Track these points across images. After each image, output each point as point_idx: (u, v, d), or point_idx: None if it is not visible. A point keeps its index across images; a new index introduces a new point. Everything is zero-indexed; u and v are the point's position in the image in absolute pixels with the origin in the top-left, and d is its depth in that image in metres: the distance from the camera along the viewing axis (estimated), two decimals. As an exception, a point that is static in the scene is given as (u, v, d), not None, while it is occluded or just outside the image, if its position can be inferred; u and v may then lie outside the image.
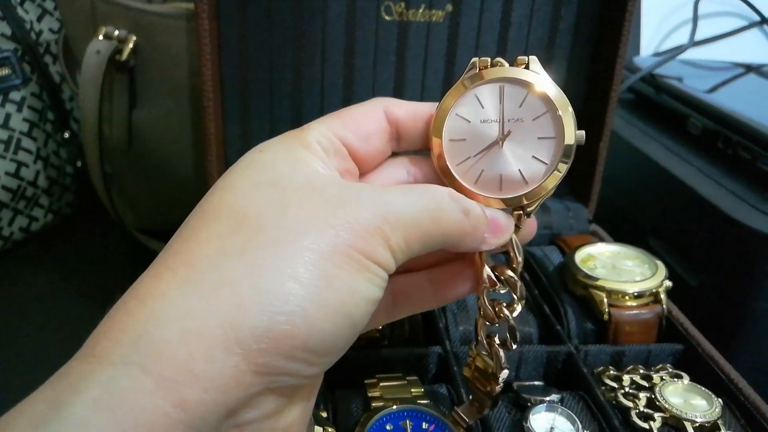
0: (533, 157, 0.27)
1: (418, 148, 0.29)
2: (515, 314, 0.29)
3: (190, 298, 0.20)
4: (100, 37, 0.54)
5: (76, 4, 0.56)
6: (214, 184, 0.24)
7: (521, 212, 0.28)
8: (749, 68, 0.74)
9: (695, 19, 0.76)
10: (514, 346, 0.29)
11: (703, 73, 0.73)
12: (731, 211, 0.48)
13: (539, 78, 0.27)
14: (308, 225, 0.22)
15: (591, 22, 0.51)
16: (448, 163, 0.27)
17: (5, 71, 0.62)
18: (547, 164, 0.27)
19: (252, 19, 0.49)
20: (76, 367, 0.19)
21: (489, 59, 0.28)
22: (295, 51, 0.50)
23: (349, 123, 0.27)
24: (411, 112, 0.28)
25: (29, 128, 0.63)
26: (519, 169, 0.27)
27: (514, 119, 0.27)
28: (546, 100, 0.27)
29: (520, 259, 0.28)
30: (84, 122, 0.56)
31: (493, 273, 0.29)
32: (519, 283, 0.29)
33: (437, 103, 0.28)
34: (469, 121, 0.27)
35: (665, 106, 0.65)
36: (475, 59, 0.28)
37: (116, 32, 0.54)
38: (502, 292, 0.29)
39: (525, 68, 0.28)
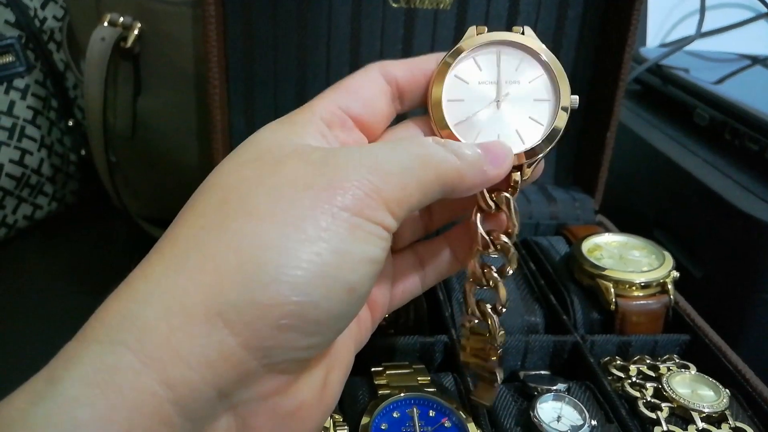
0: (530, 118, 0.28)
1: (421, 106, 0.29)
2: (505, 277, 0.29)
3: (173, 276, 0.20)
4: (105, 24, 0.54)
5: (80, -10, 0.56)
6: None
7: (518, 173, 0.28)
8: (756, 60, 0.73)
9: (702, 10, 0.75)
10: (504, 310, 0.30)
11: (709, 64, 0.72)
12: (738, 202, 0.48)
13: (534, 43, 0.28)
14: (287, 190, 0.21)
15: (599, 10, 0.51)
16: (447, 122, 0.28)
17: (9, 58, 0.62)
18: (543, 125, 0.28)
19: (256, 6, 0.48)
20: (70, 346, 0.20)
21: (485, 27, 0.29)
22: (299, 39, 0.50)
23: (349, 92, 0.27)
24: (408, 69, 0.28)
25: (33, 116, 0.63)
26: (516, 130, 0.28)
27: (511, 81, 0.28)
28: (542, 63, 0.28)
29: (515, 222, 0.28)
30: (88, 110, 0.56)
31: (488, 236, 0.29)
32: (512, 250, 0.29)
33: (433, 56, 0.29)
34: (467, 83, 0.28)
35: (672, 97, 0.65)
36: (473, 27, 0.29)
37: (121, 19, 0.54)
38: (494, 256, 0.29)
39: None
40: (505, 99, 0.28)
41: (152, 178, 0.63)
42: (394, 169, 0.23)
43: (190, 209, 0.22)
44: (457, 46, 0.29)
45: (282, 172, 0.22)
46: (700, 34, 0.75)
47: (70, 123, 0.68)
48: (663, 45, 0.78)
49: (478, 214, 0.29)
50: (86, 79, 0.54)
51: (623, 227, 0.52)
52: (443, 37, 0.50)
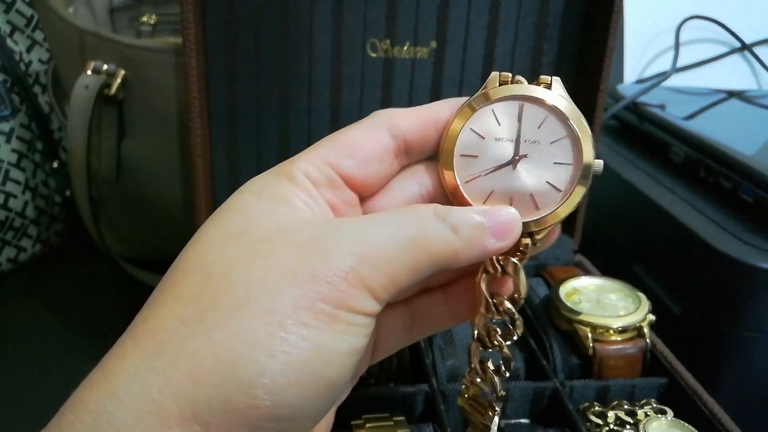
0: (547, 182, 0.26)
1: (431, 155, 0.27)
2: (508, 342, 0.28)
3: (148, 374, 0.19)
4: (89, 72, 0.54)
5: (65, 38, 0.56)
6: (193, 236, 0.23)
7: (528, 239, 0.26)
8: (731, 94, 0.75)
9: (677, 45, 0.77)
10: (508, 374, 0.28)
11: (685, 99, 0.74)
12: (713, 240, 0.49)
13: (561, 100, 0.26)
14: (272, 280, 0.20)
15: (572, 56, 0.52)
16: (456, 178, 0.26)
17: (-6, 103, 0.62)
18: (561, 191, 0.26)
19: (239, 54, 0.49)
20: None
21: (510, 74, 0.26)
22: (281, 85, 0.50)
23: (344, 148, 0.25)
24: (418, 120, 0.26)
25: (18, 159, 0.64)
26: (531, 194, 0.26)
27: (530, 141, 0.26)
28: (566, 124, 0.26)
29: (522, 289, 0.27)
30: (72, 155, 0.56)
31: (492, 299, 0.27)
32: (518, 318, 0.27)
33: (446, 103, 0.27)
34: (483, 138, 0.26)
35: (648, 134, 0.66)
36: (495, 73, 0.27)
37: (105, 66, 0.54)
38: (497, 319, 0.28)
39: (547, 88, 0.26)
40: (523, 159, 0.26)
41: (136, 220, 0.64)
42: (389, 256, 0.22)
43: (171, 291, 0.21)
44: (478, 94, 0.26)
45: (268, 257, 0.21)
46: (676, 70, 0.77)
47: (55, 164, 0.68)
48: (640, 80, 0.80)
49: (484, 275, 0.27)
50: (70, 125, 0.55)
51: (603, 262, 0.53)
52: (421, 84, 0.51)
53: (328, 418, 0.27)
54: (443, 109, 0.27)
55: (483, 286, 0.27)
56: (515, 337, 0.28)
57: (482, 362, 0.29)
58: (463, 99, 0.27)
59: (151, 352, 0.20)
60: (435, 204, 0.24)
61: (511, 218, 0.25)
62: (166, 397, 0.19)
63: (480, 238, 0.24)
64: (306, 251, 0.21)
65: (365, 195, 0.26)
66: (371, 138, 0.25)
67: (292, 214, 0.23)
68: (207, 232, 0.23)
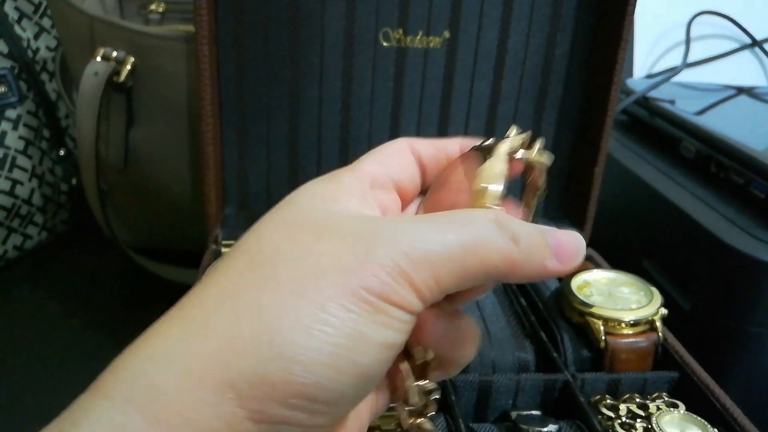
0: None
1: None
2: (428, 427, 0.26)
3: (191, 339, 0.20)
4: (98, 59, 0.54)
5: (74, 25, 0.56)
6: None
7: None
8: (741, 90, 0.75)
9: (688, 41, 0.77)
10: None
11: (695, 95, 0.73)
12: (723, 235, 0.49)
13: None
14: (318, 264, 0.21)
15: (585, 48, 0.52)
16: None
17: (1, 89, 0.62)
18: None
19: (249, 44, 0.49)
20: (82, 399, 0.20)
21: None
22: (292, 76, 0.50)
23: (387, 157, 0.27)
24: (432, 146, 0.28)
25: (25, 146, 0.63)
26: None
27: None
28: None
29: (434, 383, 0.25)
30: (80, 142, 0.56)
31: (415, 383, 0.25)
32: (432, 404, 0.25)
33: (453, 140, 0.28)
34: None
35: (658, 129, 0.66)
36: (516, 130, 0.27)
37: (114, 53, 0.54)
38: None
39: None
40: None
41: (143, 208, 0.63)
42: (433, 256, 0.21)
43: (221, 270, 0.22)
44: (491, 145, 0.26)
45: (315, 243, 0.22)
46: (686, 65, 0.77)
47: (62, 152, 0.68)
48: (649, 76, 0.80)
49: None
50: (79, 112, 0.55)
51: (612, 258, 0.53)
52: (433, 74, 0.50)
53: (361, 422, 0.26)
54: (454, 143, 0.28)
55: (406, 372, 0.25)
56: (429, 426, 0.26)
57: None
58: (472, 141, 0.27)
59: (196, 320, 0.20)
60: (497, 210, 0.24)
61: (576, 243, 0.24)
62: (205, 363, 0.19)
63: (541, 254, 0.23)
64: (352, 242, 0.21)
65: (403, 203, 0.28)
66: (401, 151, 0.27)
67: (341, 209, 0.24)
68: (260, 224, 0.24)
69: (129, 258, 0.62)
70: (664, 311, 0.43)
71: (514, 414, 0.38)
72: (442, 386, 0.39)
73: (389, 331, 0.21)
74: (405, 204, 0.28)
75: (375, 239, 0.22)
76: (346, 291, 0.20)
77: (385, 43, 0.49)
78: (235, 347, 0.19)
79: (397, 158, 0.27)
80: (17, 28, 0.64)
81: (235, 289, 0.21)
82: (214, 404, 0.19)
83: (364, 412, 0.26)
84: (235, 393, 0.19)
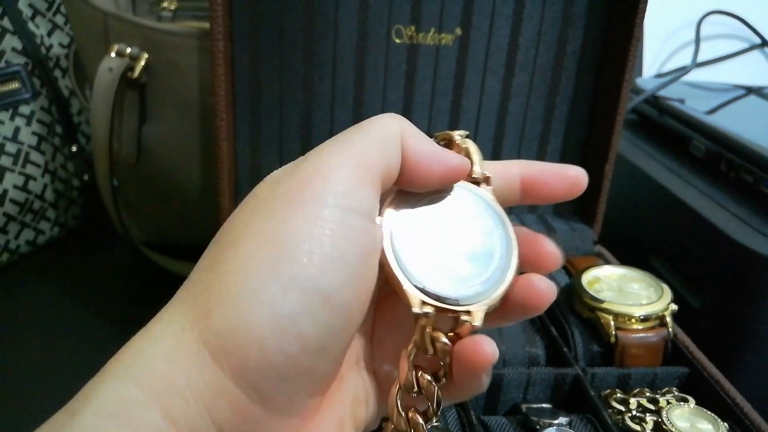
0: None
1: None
2: (429, 425, 0.24)
3: (178, 316, 0.21)
4: (113, 55, 0.54)
5: (88, 21, 0.57)
6: None
7: (468, 317, 0.23)
8: (750, 90, 0.75)
9: (697, 40, 0.77)
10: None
11: (705, 94, 0.74)
12: (733, 233, 0.49)
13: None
14: (265, 210, 0.22)
15: (597, 45, 0.52)
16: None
17: (15, 85, 0.62)
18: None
19: (264, 39, 0.49)
20: (92, 380, 0.21)
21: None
22: (305, 71, 0.51)
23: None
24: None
25: (38, 142, 0.64)
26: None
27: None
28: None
29: (436, 410, 0.24)
30: (94, 138, 0.56)
31: (415, 374, 0.24)
32: (436, 397, 0.23)
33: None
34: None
35: (668, 127, 0.66)
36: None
37: (128, 50, 0.55)
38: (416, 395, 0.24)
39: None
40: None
41: (155, 204, 0.64)
42: (352, 142, 0.23)
43: (207, 249, 0.23)
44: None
45: (261, 197, 0.22)
46: (696, 65, 0.77)
47: (74, 148, 0.69)
48: (659, 75, 0.80)
49: (413, 349, 0.24)
50: (93, 108, 0.55)
51: (621, 256, 0.53)
52: (445, 71, 0.51)
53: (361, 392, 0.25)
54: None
55: (408, 359, 0.24)
56: (433, 421, 0.24)
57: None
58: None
59: (180, 300, 0.22)
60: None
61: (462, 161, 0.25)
62: (187, 332, 0.20)
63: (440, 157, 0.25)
64: (283, 177, 0.23)
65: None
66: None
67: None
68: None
69: (141, 253, 0.63)
70: (674, 307, 0.43)
71: (524, 407, 0.38)
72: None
73: (344, 243, 0.21)
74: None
75: (302, 163, 0.22)
76: (289, 208, 0.21)
77: (397, 40, 0.49)
78: (207, 312, 0.21)
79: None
80: (31, 25, 0.64)
81: (206, 264, 0.22)
82: (197, 368, 0.20)
83: (368, 397, 0.25)
84: (209, 352, 0.20)
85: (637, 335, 0.41)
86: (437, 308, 0.23)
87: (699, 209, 0.53)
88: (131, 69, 0.55)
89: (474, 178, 0.26)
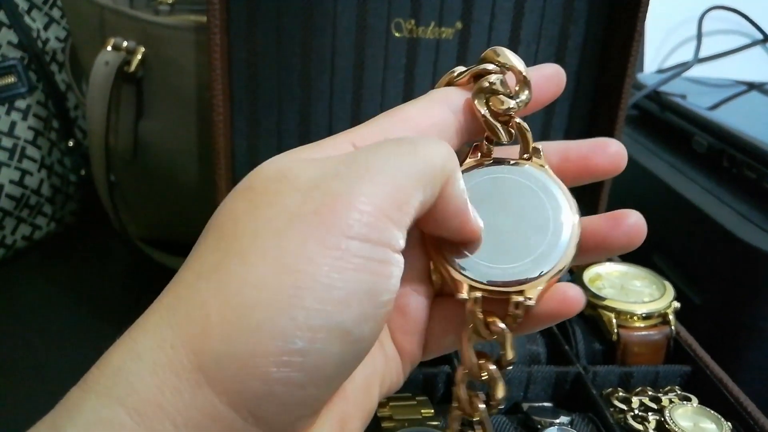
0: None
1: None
2: (493, 412, 0.24)
3: (165, 328, 0.19)
4: (109, 49, 0.54)
5: (84, 15, 0.56)
6: None
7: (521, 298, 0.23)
8: (752, 86, 0.74)
9: (699, 36, 0.76)
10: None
11: (706, 90, 0.73)
12: (736, 230, 0.49)
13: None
14: (277, 222, 0.19)
15: (598, 41, 0.51)
16: None
17: (11, 79, 0.62)
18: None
19: (261, 33, 0.49)
20: (73, 394, 0.19)
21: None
22: (303, 66, 0.50)
23: (403, 121, 0.23)
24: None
25: (34, 136, 0.63)
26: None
27: None
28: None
29: (510, 356, 0.23)
30: (90, 132, 0.56)
31: (477, 362, 0.24)
32: (501, 383, 0.23)
33: None
34: None
35: (670, 123, 0.66)
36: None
37: (125, 44, 0.54)
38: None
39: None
40: None
41: (152, 199, 0.63)
42: (389, 172, 0.20)
43: (194, 251, 0.21)
44: None
45: (272, 201, 0.20)
46: (698, 60, 0.76)
47: (71, 143, 0.68)
48: (660, 70, 0.79)
49: (472, 335, 0.24)
50: (89, 102, 0.55)
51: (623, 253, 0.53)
52: (445, 66, 0.50)
53: (369, 404, 0.24)
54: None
55: (467, 345, 0.24)
56: (498, 408, 0.24)
57: (463, 425, 0.26)
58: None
59: (169, 308, 0.20)
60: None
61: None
62: (178, 350, 0.19)
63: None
64: (307, 191, 0.20)
65: None
66: (431, 111, 0.24)
67: (297, 161, 0.21)
68: (227, 196, 0.22)
69: (137, 249, 0.62)
70: (676, 304, 0.43)
71: (525, 405, 0.38)
72: (453, 377, 0.39)
73: (364, 275, 0.19)
74: None
75: (330, 176, 0.20)
76: (311, 239, 0.19)
77: (397, 34, 0.49)
78: (204, 329, 0.19)
79: (422, 119, 0.23)
80: (27, 19, 0.64)
81: (204, 269, 0.20)
82: (189, 392, 0.18)
83: (372, 383, 0.24)
84: (207, 378, 0.18)
85: (639, 333, 0.41)
86: (487, 291, 0.23)
87: (701, 206, 0.52)
88: (128, 63, 0.54)
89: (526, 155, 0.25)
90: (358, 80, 0.50)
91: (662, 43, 0.80)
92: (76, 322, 0.58)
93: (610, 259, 0.50)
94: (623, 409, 0.38)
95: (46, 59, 0.65)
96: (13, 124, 0.62)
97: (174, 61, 0.55)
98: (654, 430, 0.36)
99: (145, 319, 0.20)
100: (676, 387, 0.40)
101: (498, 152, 0.26)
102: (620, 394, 0.39)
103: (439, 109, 0.24)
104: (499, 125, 0.24)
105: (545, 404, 0.38)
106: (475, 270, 0.23)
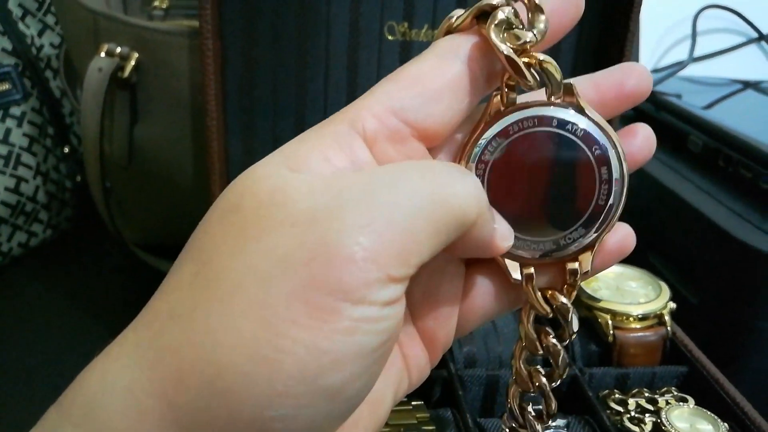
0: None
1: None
2: (554, 384, 0.25)
3: (136, 369, 0.18)
4: (102, 55, 0.54)
5: (78, 21, 0.56)
6: None
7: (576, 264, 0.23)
8: (747, 84, 0.74)
9: (694, 35, 0.76)
10: (551, 422, 0.26)
11: (702, 89, 0.73)
12: (732, 229, 0.49)
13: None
14: (264, 266, 0.17)
15: (592, 41, 0.51)
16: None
17: (5, 86, 0.62)
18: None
19: (256, 37, 0.49)
20: (51, 415, 0.18)
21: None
22: (298, 69, 0.50)
23: (411, 84, 0.21)
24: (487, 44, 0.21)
25: (29, 143, 0.63)
26: None
27: None
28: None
29: (573, 328, 0.23)
30: (85, 139, 0.56)
31: (537, 336, 0.24)
32: (562, 355, 0.24)
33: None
34: None
35: (665, 123, 0.66)
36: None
37: (118, 49, 0.54)
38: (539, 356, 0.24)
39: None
40: None
41: (147, 205, 0.63)
42: (399, 222, 0.17)
43: (171, 276, 0.19)
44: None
45: (260, 238, 0.18)
46: (693, 59, 0.76)
47: (66, 150, 0.68)
48: (655, 70, 0.79)
49: (531, 313, 0.24)
50: (83, 108, 0.55)
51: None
52: (439, 68, 0.50)
53: (380, 415, 0.23)
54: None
55: (527, 321, 0.24)
56: (559, 380, 0.25)
57: (522, 407, 0.26)
58: None
59: (141, 345, 0.18)
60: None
61: (508, 231, 0.22)
62: (149, 396, 0.17)
63: (490, 222, 0.21)
64: (303, 228, 0.17)
65: (436, 143, 0.22)
66: (441, 68, 0.21)
67: (296, 179, 0.19)
68: (209, 212, 0.20)
69: (133, 255, 0.62)
70: (672, 305, 0.42)
71: (521, 408, 0.38)
72: (449, 380, 0.39)
73: (360, 337, 0.17)
74: (441, 138, 0.22)
75: (329, 216, 0.17)
76: (297, 297, 0.17)
77: (390, 37, 0.49)
78: (178, 381, 0.17)
79: (432, 80, 0.21)
80: (21, 25, 0.64)
81: (178, 309, 0.18)
82: None
83: (386, 395, 0.23)
84: (179, 429, 0.17)
85: (635, 334, 0.41)
86: (540, 268, 0.22)
87: (697, 205, 0.52)
88: (121, 69, 0.54)
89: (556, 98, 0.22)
90: (353, 83, 0.50)
91: (657, 42, 0.80)
92: (72, 327, 0.57)
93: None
94: (620, 411, 0.38)
95: (40, 66, 0.65)
96: (8, 132, 0.61)
97: (168, 66, 0.55)
98: (650, 431, 0.36)
99: (119, 349, 0.19)
100: (673, 388, 0.40)
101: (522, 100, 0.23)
102: (616, 396, 0.39)
103: (450, 64, 0.21)
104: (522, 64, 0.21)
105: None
106: (523, 248, 0.22)
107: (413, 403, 0.36)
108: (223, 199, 0.20)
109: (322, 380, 0.17)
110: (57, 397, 0.19)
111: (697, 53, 0.78)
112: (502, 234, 0.21)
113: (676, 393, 0.39)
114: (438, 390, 0.39)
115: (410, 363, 0.24)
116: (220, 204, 0.20)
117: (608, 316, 0.41)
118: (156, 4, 0.63)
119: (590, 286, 0.44)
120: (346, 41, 0.49)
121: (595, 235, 0.22)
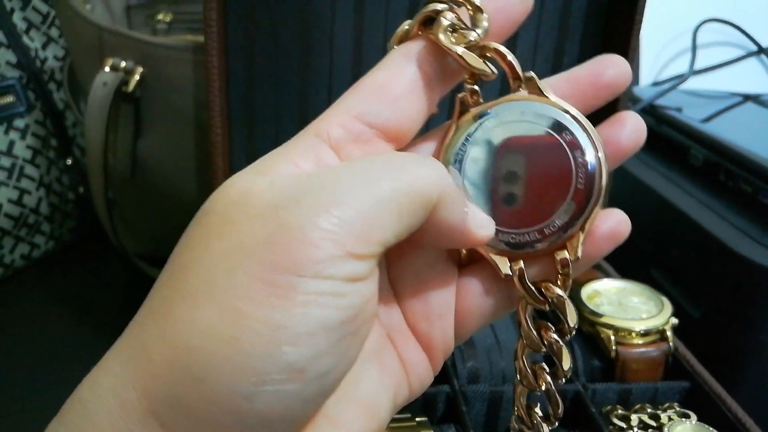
0: None
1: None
2: (560, 382, 0.24)
3: (119, 367, 0.19)
4: (107, 69, 0.54)
5: (82, 35, 0.56)
6: None
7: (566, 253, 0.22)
8: (748, 98, 0.74)
9: (694, 48, 0.77)
10: (557, 421, 0.26)
11: (702, 102, 0.73)
12: (733, 244, 0.49)
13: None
14: (230, 257, 0.18)
15: (594, 56, 0.52)
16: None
17: (9, 99, 0.62)
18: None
19: (259, 53, 0.49)
20: (50, 428, 0.19)
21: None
22: (302, 83, 0.50)
23: (370, 92, 0.22)
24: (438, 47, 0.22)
25: (32, 155, 0.64)
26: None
27: None
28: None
29: (571, 323, 0.23)
30: (89, 152, 0.56)
31: (538, 333, 0.24)
32: (564, 351, 0.23)
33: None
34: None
35: (666, 136, 0.66)
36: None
37: (123, 64, 0.54)
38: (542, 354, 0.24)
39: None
40: None
41: (150, 218, 0.63)
42: (358, 201, 0.18)
43: (157, 281, 0.20)
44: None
45: (226, 231, 0.19)
46: (693, 73, 0.76)
47: (69, 162, 0.68)
48: (656, 83, 0.80)
49: (527, 307, 0.23)
50: (87, 122, 0.55)
51: (620, 266, 0.53)
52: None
53: (380, 420, 0.23)
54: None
55: (524, 316, 0.23)
56: (565, 377, 0.24)
57: (529, 407, 0.26)
58: None
59: (125, 347, 0.19)
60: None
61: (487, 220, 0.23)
62: (129, 392, 0.18)
63: (462, 203, 0.21)
64: (264, 218, 0.18)
65: (404, 143, 0.23)
66: (399, 73, 0.22)
67: (262, 180, 0.20)
68: (192, 219, 0.21)
69: (136, 266, 0.62)
70: (674, 321, 0.43)
71: (524, 425, 0.38)
72: (453, 396, 0.39)
73: (316, 310, 0.18)
74: (408, 137, 0.23)
75: (288, 203, 0.18)
76: (257, 278, 0.17)
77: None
78: (153, 373, 0.18)
79: (392, 85, 0.22)
80: (25, 39, 0.64)
81: (154, 307, 0.19)
82: None
83: (383, 400, 0.23)
84: (158, 421, 0.18)
85: (638, 350, 0.41)
86: (526, 256, 0.22)
87: (698, 219, 0.53)
88: (126, 83, 0.55)
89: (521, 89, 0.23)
90: (355, 98, 0.51)
91: (658, 56, 0.80)
92: (74, 339, 0.58)
93: (607, 275, 0.50)
94: (622, 427, 0.38)
95: (44, 78, 0.66)
96: (11, 144, 0.62)
97: (172, 81, 0.55)
98: (653, 448, 0.36)
99: (109, 352, 0.20)
100: (675, 404, 0.40)
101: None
102: (619, 411, 0.39)
103: (407, 69, 0.22)
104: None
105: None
106: (508, 240, 0.22)
107: (417, 419, 0.36)
108: (201, 208, 0.21)
109: (286, 356, 0.17)
110: (59, 407, 0.20)
111: (697, 66, 0.78)
112: (478, 222, 0.22)
113: (678, 409, 0.40)
114: (442, 406, 0.39)
115: (409, 369, 0.24)
116: (198, 213, 0.21)
117: (611, 332, 0.41)
118: (160, 17, 0.63)
119: (593, 302, 0.44)
120: (349, 55, 0.49)
121: (581, 220, 0.22)
